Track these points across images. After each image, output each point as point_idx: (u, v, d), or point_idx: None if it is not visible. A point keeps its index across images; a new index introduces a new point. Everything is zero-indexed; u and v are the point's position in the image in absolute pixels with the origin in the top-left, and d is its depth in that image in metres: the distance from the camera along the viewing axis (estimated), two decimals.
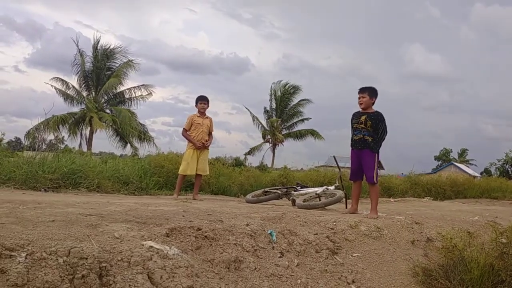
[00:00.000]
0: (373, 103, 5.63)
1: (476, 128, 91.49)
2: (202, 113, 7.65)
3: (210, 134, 7.70)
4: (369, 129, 5.50)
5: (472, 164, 60.62)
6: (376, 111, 5.59)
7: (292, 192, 7.29)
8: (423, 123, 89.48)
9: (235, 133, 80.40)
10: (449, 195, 14.88)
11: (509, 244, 3.68)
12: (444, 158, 63.84)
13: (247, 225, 3.70)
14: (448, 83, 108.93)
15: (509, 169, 42.27)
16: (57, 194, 6.68)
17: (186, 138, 7.53)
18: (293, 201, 6.80)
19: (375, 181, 5.47)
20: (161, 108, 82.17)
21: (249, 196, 7.47)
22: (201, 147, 7.45)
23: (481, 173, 45.63)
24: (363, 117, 5.56)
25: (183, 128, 7.59)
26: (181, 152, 8.47)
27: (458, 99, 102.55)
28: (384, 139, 5.53)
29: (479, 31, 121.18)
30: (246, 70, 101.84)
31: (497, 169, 43.44)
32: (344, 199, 6.59)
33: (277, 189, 7.70)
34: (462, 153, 64.77)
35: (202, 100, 7.70)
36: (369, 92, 5.60)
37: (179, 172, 7.51)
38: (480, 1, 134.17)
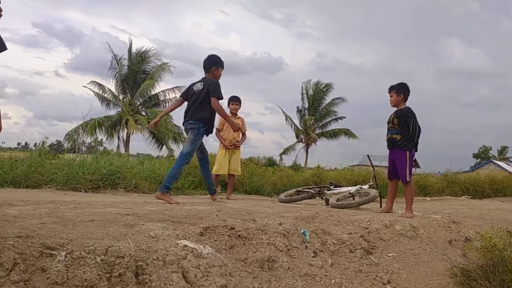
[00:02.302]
0: (405, 100, 5.51)
1: None
2: (233, 113, 7.62)
3: (243, 134, 7.70)
4: (396, 127, 5.41)
5: None
6: (405, 107, 5.46)
7: (326, 191, 7.24)
8: (462, 120, 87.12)
9: (268, 133, 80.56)
10: (487, 193, 14.44)
11: None
12: (483, 156, 61.93)
13: (280, 224, 3.71)
14: (489, 78, 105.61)
15: None
16: (96, 194, 6.87)
17: (218, 138, 7.57)
18: (327, 201, 6.76)
19: (408, 180, 5.37)
20: None
21: (282, 196, 7.47)
22: (232, 147, 7.47)
23: None
24: (391, 116, 5.51)
25: (216, 128, 7.53)
26: (214, 153, 8.50)
27: (500, 95, 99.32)
28: (417, 135, 5.38)
29: None
30: (280, 70, 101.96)
31: None
32: (378, 198, 6.50)
33: (310, 188, 7.67)
34: (502, 150, 62.66)
35: (235, 101, 7.67)
36: (397, 90, 5.50)
37: (212, 172, 7.44)
38: None
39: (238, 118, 7.66)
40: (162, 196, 5.28)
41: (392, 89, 5.55)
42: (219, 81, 5.79)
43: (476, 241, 4.51)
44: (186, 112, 5.74)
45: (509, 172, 29.97)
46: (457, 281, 3.64)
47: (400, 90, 5.50)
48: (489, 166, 44.18)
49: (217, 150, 7.67)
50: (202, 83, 5.73)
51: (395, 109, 5.56)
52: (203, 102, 5.58)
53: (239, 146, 7.63)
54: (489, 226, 5.06)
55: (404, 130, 5.38)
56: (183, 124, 5.83)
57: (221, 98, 5.70)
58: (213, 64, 5.85)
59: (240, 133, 7.56)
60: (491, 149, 63.37)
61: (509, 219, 5.88)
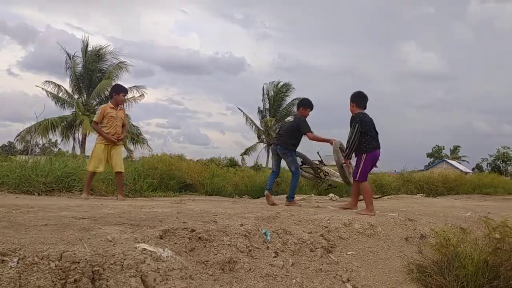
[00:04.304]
0: (357, 106, 5.78)
1: (469, 125, 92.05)
2: (116, 105, 7.11)
3: (123, 126, 7.18)
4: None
5: (464, 160, 61.04)
6: (353, 114, 5.72)
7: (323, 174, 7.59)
8: (417, 121, 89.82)
9: (230, 134, 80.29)
10: (441, 191, 15.00)
11: (502, 239, 3.70)
12: (436, 155, 64.13)
13: (242, 225, 3.69)
14: (443, 81, 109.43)
15: (501, 165, 42.67)
16: (50, 197, 6.64)
17: (98, 132, 6.95)
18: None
19: (358, 179, 5.62)
20: (155, 109, 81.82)
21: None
22: (115, 141, 6.93)
23: (472, 169, 46.02)
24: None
25: (94, 121, 7.03)
26: (175, 153, 8.40)
27: (452, 97, 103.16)
28: (351, 142, 5.57)
29: (474, 28, 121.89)
30: (242, 70, 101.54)
31: (488, 165, 43.93)
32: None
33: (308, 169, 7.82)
34: (455, 149, 65.09)
35: (125, 92, 7.23)
36: (350, 98, 5.88)
37: (89, 169, 6.90)
38: None
39: (120, 109, 7.22)
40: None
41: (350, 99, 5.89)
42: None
43: (431, 238, 4.65)
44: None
45: (461, 171, 31.29)
46: (413, 277, 3.74)
47: (352, 99, 5.85)
48: (442, 165, 45.81)
49: (95, 144, 7.02)
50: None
51: None
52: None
53: (122, 139, 7.17)
54: (443, 223, 5.24)
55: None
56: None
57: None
58: (300, 105, 6.95)
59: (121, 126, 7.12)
60: (444, 149, 65.69)
61: (461, 216, 6.11)
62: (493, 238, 3.78)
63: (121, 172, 7.00)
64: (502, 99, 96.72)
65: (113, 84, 7.24)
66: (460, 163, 55.33)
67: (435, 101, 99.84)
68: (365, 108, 5.82)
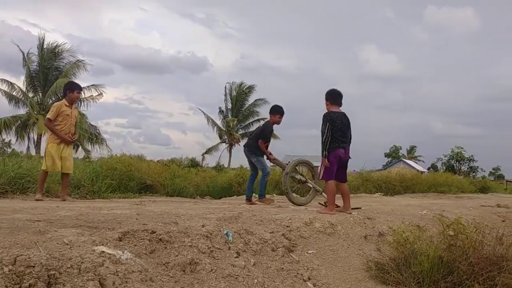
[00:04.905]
0: (331, 104, 5.76)
1: (425, 125, 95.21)
2: (71, 103, 6.87)
3: (75, 125, 6.97)
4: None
5: (420, 160, 63.03)
6: (325, 112, 5.71)
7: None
8: (376, 121, 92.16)
9: (192, 134, 79.79)
10: (398, 190, 15.42)
11: (456, 236, 3.84)
12: (394, 155, 65.90)
13: (203, 226, 3.67)
14: (401, 82, 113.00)
15: (455, 164, 44.34)
16: (3, 199, 6.38)
17: (52, 131, 6.68)
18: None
19: (321, 178, 5.70)
20: (114, 109, 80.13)
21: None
22: (70, 141, 6.75)
23: (428, 169, 47.59)
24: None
25: (48, 118, 6.71)
26: (135, 154, 8.25)
27: (409, 98, 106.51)
28: (323, 139, 5.57)
29: (430, 31, 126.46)
30: (205, 70, 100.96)
31: (443, 164, 45.54)
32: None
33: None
34: (411, 149, 67.11)
35: (79, 89, 7.01)
36: (326, 97, 5.82)
37: (43, 169, 6.65)
38: (432, 2, 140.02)
39: (75, 108, 7.05)
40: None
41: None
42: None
43: (389, 236, 4.77)
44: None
45: (417, 170, 32.31)
46: (372, 274, 3.82)
47: (326, 97, 5.82)
48: (399, 164, 47.14)
49: (47, 143, 6.74)
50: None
51: None
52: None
53: (76, 140, 7.05)
54: (401, 221, 5.38)
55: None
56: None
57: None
58: (270, 111, 7.36)
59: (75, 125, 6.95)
60: (401, 149, 67.57)
61: (418, 214, 6.30)
62: (448, 235, 3.90)
63: (68, 174, 6.81)
64: (457, 101, 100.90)
65: (68, 82, 6.94)
66: (416, 162, 57.11)
67: (393, 102, 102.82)
68: (340, 105, 5.79)
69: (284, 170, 6.78)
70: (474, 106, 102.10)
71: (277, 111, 7.26)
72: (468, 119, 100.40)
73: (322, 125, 5.59)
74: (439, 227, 4.26)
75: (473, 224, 5.09)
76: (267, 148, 7.19)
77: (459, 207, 8.06)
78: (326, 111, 5.70)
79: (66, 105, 6.76)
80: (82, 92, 6.99)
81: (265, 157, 7.19)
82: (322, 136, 5.55)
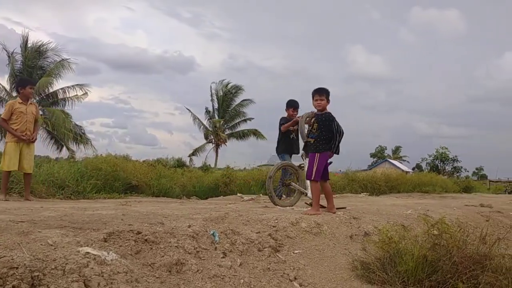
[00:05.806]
0: (326, 103, 5.58)
1: (410, 126, 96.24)
2: (26, 99, 6.73)
3: (36, 121, 6.87)
4: (314, 132, 5.55)
5: (405, 160, 63.59)
6: (326, 112, 5.56)
7: None
8: (362, 122, 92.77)
9: (178, 134, 79.46)
10: (384, 190, 15.52)
11: (440, 236, 3.88)
12: (379, 155, 66.45)
13: (189, 226, 3.66)
14: (387, 83, 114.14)
15: (439, 164, 44.86)
16: None
17: (6, 130, 6.62)
18: None
19: (311, 178, 5.54)
20: (99, 108, 79.35)
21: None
22: (26, 140, 6.62)
23: (413, 169, 47.99)
24: (312, 120, 5.63)
25: (1, 118, 6.66)
26: (120, 154, 8.18)
27: (395, 99, 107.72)
28: (339, 137, 5.48)
29: (416, 33, 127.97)
30: (192, 70, 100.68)
31: (427, 164, 46.03)
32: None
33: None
34: (396, 150, 67.69)
35: (32, 84, 6.93)
36: (326, 94, 5.58)
37: (3, 169, 6.57)
38: (418, 4, 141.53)
39: (31, 103, 6.90)
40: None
41: (322, 92, 5.57)
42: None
43: (374, 235, 4.80)
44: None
45: (402, 170, 32.60)
46: (357, 274, 3.84)
47: (328, 96, 5.59)
48: (384, 164, 47.52)
49: (5, 142, 6.69)
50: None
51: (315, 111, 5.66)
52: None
53: (35, 139, 6.87)
54: (386, 221, 5.42)
55: (321, 133, 5.50)
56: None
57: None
58: (286, 105, 7.48)
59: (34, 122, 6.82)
60: (386, 149, 68.16)
61: (403, 214, 6.35)
62: (432, 234, 3.95)
63: (30, 174, 6.74)
64: (441, 102, 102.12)
65: (19, 79, 6.84)
66: (401, 162, 57.64)
67: (379, 102, 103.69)
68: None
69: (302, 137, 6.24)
70: (459, 107, 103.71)
71: (289, 105, 7.42)
72: (453, 119, 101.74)
73: (332, 123, 5.44)
74: (424, 227, 4.30)
75: (457, 224, 5.17)
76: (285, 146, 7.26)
77: (443, 207, 8.14)
78: (325, 110, 5.57)
79: (19, 103, 6.66)
80: (34, 88, 6.83)
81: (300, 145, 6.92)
82: (337, 132, 5.42)
